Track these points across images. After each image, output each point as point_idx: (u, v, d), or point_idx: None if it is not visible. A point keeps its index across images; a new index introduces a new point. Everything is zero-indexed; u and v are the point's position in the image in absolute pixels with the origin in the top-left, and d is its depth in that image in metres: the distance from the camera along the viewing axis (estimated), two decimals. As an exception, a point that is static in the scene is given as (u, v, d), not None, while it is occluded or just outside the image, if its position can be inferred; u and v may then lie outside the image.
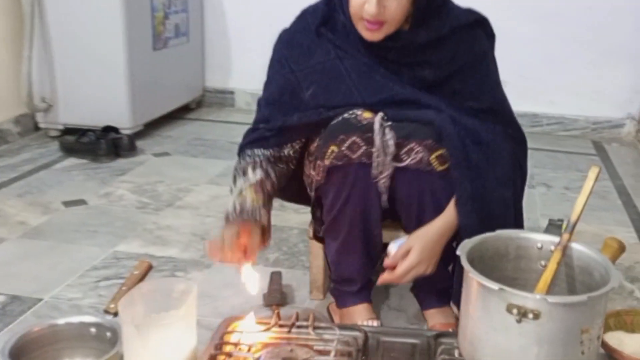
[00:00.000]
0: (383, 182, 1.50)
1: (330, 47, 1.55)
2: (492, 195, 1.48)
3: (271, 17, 3.83)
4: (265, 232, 1.56)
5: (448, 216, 1.48)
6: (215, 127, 3.62)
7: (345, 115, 1.51)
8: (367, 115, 1.50)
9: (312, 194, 1.65)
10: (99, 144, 2.94)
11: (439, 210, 1.50)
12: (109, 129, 3.08)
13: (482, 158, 1.48)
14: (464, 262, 1.29)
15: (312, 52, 1.56)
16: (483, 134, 1.50)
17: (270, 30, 3.67)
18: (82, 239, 2.21)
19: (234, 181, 1.59)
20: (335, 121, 1.52)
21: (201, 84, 3.93)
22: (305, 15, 1.62)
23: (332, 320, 1.76)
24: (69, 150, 3.01)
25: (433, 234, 1.48)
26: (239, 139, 3.24)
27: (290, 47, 1.60)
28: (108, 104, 3.13)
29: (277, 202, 2.51)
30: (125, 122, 3.15)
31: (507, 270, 1.44)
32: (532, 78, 3.24)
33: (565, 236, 1.40)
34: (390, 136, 1.46)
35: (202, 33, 3.85)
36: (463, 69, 1.54)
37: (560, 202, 2.59)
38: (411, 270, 1.47)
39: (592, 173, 1.41)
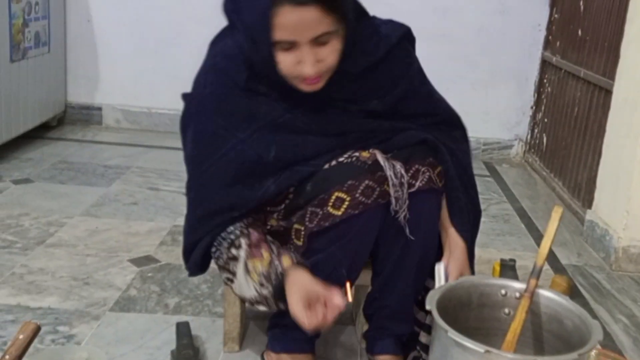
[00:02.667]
0: (404, 215, 1.36)
1: (269, 102, 1.35)
2: (472, 200, 1.47)
3: (142, 25, 3.56)
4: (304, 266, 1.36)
5: (456, 236, 1.43)
6: (82, 148, 3.24)
7: (342, 159, 1.35)
8: (365, 154, 1.35)
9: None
10: (-53, 170, 2.51)
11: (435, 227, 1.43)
12: (-43, 152, 2.65)
13: (458, 166, 1.45)
14: (440, 321, 1.13)
15: (255, 112, 1.36)
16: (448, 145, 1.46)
17: (141, 39, 3.45)
18: None
19: (233, 275, 1.40)
20: (330, 166, 1.35)
21: (63, 99, 3.53)
22: (222, 70, 1.37)
23: None
24: None
25: (465, 257, 1.42)
26: (113, 162, 3.04)
27: (226, 114, 1.36)
28: (-43, 123, 2.70)
29: (169, 236, 2.28)
30: (-23, 143, 2.72)
31: (469, 321, 1.31)
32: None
33: (533, 282, 1.28)
34: (399, 166, 1.35)
35: (65, 42, 3.46)
36: (407, 92, 1.44)
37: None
38: None
39: (556, 214, 1.29)
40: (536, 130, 3.38)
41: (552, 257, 2.34)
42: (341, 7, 1.24)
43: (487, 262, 2.06)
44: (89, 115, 3.62)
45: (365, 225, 1.36)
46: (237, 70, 1.34)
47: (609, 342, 1.82)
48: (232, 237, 1.38)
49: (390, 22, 1.45)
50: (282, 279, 1.32)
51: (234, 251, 1.37)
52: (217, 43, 1.41)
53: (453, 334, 1.10)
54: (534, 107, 3.44)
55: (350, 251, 1.38)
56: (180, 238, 2.19)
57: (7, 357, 1.39)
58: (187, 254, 1.49)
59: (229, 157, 1.37)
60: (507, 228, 2.57)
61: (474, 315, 1.31)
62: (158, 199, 2.63)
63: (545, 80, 3.32)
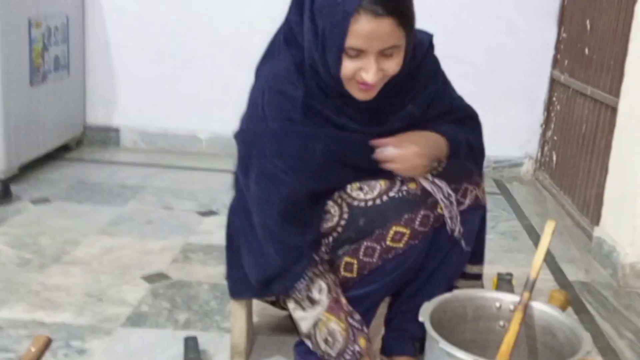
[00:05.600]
0: (459, 230, 1.43)
1: (322, 127, 1.41)
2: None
3: (158, 50, 3.66)
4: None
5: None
6: (99, 169, 3.32)
7: (393, 194, 1.40)
8: (412, 185, 1.41)
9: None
10: (-32, 191, 2.59)
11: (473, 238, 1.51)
12: (-21, 174, 2.73)
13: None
14: (431, 331, 1.16)
15: (310, 151, 1.41)
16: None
17: (158, 63, 3.54)
18: (-47, 306, 1.89)
19: (302, 309, 1.46)
20: (382, 201, 1.40)
21: (82, 121, 3.62)
22: (280, 92, 1.40)
23: None
24: None
25: (419, 134, 1.45)
26: (129, 182, 3.13)
27: (283, 157, 1.40)
28: (-22, 145, 2.78)
29: (181, 253, 2.34)
30: (-2, 165, 2.81)
31: (464, 333, 1.35)
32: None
33: (526, 295, 1.31)
34: (444, 186, 1.42)
35: (84, 66, 3.56)
36: (436, 94, 1.51)
37: (474, 244, 2.55)
38: (409, 150, 1.39)
39: (549, 228, 1.33)
40: (546, 148, 3.40)
41: (559, 274, 2.35)
42: (410, 22, 1.33)
43: (492, 278, 2.09)
44: (107, 137, 3.70)
45: (422, 251, 1.42)
46: (294, 87, 1.39)
47: (613, 357, 1.83)
48: (310, 275, 1.43)
49: (418, 29, 1.51)
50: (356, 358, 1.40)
51: (315, 294, 1.43)
52: (265, 66, 1.47)
53: (444, 345, 1.13)
54: (543, 125, 3.46)
55: (403, 277, 1.44)
56: (192, 256, 2.30)
57: (19, 368, 1.44)
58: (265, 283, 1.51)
59: (286, 197, 1.41)
60: (515, 245, 2.59)
61: (469, 328, 1.35)
62: (172, 218, 2.69)
63: (554, 99, 3.35)
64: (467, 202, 1.44)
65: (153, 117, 3.65)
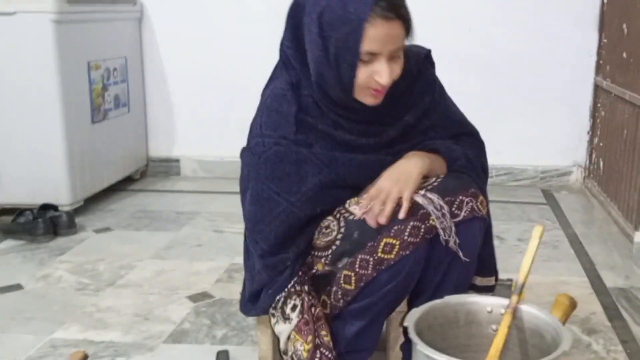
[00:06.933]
0: (454, 241, 1.46)
1: (316, 149, 1.50)
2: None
3: (214, 82, 3.85)
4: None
5: (420, 155, 1.52)
6: (160, 198, 3.53)
7: None
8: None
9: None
10: (37, 224, 2.82)
11: (476, 249, 1.52)
12: (47, 207, 2.96)
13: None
14: (412, 335, 1.23)
15: (303, 175, 1.49)
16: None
17: (213, 95, 3.72)
18: (16, 327, 2.07)
19: (277, 322, 1.53)
20: None
21: (145, 154, 3.85)
22: (275, 110, 1.51)
23: None
24: (5, 232, 2.88)
25: (401, 164, 1.49)
26: (186, 208, 3.30)
27: (277, 181, 1.49)
28: (45, 181, 3.02)
29: (226, 273, 2.47)
30: (64, 198, 3.03)
31: (458, 338, 1.39)
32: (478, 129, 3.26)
33: (514, 298, 1.35)
34: (436, 199, 1.45)
35: (144, 102, 3.79)
36: (431, 105, 1.58)
37: (514, 255, 2.56)
38: (384, 196, 1.44)
39: (536, 232, 1.37)
40: (594, 155, 3.36)
41: (597, 281, 2.34)
42: (411, 27, 1.43)
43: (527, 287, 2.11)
44: (168, 167, 3.92)
45: (415, 262, 1.45)
46: (288, 104, 1.49)
47: (641, 363, 1.83)
48: (285, 294, 1.50)
49: (414, 45, 1.58)
50: None
51: (288, 311, 1.50)
52: (267, 89, 1.60)
53: (422, 347, 1.19)
54: (590, 132, 3.43)
55: (400, 288, 1.48)
56: (235, 275, 2.42)
57: (58, 381, 1.60)
58: (253, 298, 1.61)
59: (281, 219, 1.50)
60: (555, 254, 2.58)
61: (463, 333, 1.39)
62: (221, 240, 2.83)
63: (599, 105, 3.31)
64: (463, 214, 1.46)
65: (210, 146, 3.83)
